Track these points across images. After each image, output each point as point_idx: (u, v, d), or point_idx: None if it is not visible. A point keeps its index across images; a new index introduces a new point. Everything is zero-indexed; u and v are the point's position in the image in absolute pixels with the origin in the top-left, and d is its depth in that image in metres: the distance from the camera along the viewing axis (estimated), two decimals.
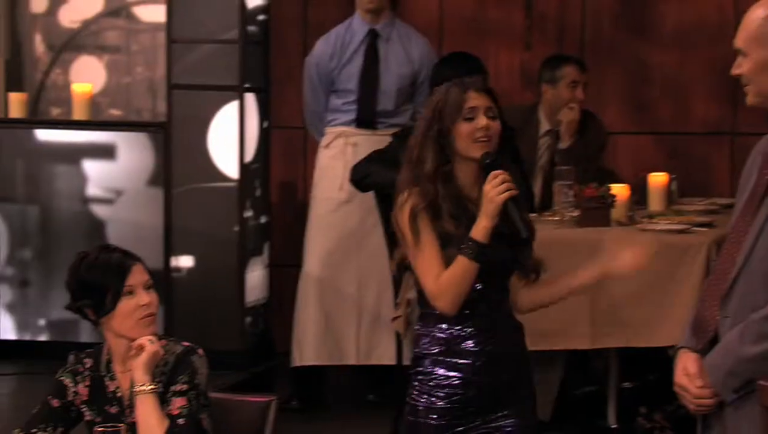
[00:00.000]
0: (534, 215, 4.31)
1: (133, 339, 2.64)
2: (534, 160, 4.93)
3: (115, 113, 5.72)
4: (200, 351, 2.69)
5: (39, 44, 5.77)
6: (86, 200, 5.18)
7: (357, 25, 4.88)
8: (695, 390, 2.55)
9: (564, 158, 4.67)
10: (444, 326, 2.75)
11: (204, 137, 4.98)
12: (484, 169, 2.71)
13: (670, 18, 5.37)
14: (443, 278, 2.70)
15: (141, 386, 2.58)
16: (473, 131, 2.73)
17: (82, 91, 5.20)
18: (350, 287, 4.80)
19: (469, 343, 2.74)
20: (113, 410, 2.67)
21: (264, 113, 5.17)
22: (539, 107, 5.00)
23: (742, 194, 2.63)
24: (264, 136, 5.18)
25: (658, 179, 4.43)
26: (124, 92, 5.75)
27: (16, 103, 5.21)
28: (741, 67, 2.58)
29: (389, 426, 4.45)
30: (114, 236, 5.10)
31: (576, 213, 4.16)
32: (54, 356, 3.12)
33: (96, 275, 2.66)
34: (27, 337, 5.24)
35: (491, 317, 2.76)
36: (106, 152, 5.18)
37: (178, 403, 2.60)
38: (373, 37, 4.87)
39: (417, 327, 2.83)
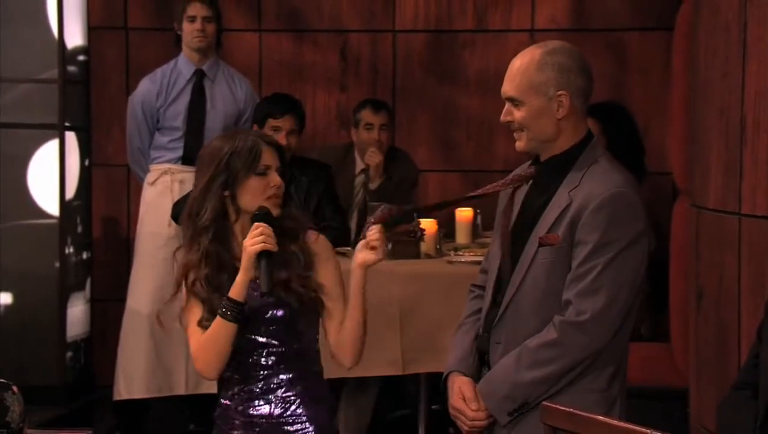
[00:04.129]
0: (349, 249, 4.35)
1: None
2: (351, 197, 4.98)
3: None
4: (14, 388, 2.58)
5: None
6: None
7: (183, 65, 4.83)
8: (471, 413, 2.60)
9: (375, 197, 4.73)
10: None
11: (24, 175, 4.81)
12: (252, 221, 2.51)
13: (474, 65, 5.52)
14: (202, 340, 2.53)
15: None
16: (265, 187, 2.54)
17: None
18: (178, 324, 4.70)
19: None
20: None
21: (85, 151, 5.03)
22: (354, 147, 5.05)
23: (502, 227, 2.69)
24: (86, 174, 5.04)
25: (464, 214, 4.53)
26: None
27: None
28: (512, 115, 2.62)
29: None
30: None
31: (388, 246, 4.20)
32: None
33: None
34: None
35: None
36: None
37: None
38: (199, 76, 4.83)
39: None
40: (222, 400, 2.62)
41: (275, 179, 2.56)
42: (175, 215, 4.50)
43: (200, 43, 4.77)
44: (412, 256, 4.13)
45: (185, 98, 4.81)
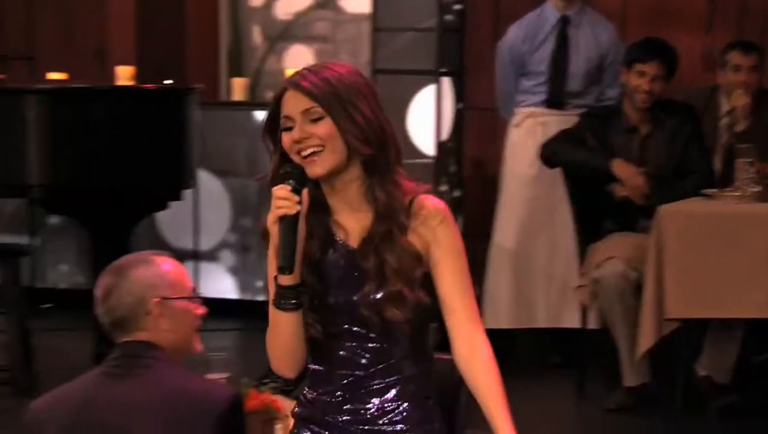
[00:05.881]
0: (715, 190, 4.22)
1: None
2: (715, 138, 4.82)
3: None
4: (433, 324, 2.72)
5: (257, 35, 5.99)
6: None
7: (549, 12, 4.88)
8: None
9: (741, 139, 4.54)
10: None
11: (403, 118, 5.08)
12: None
13: None
14: (268, 330, 1.97)
15: None
16: (291, 145, 1.92)
17: None
18: (541, 257, 4.83)
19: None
20: None
21: (459, 95, 5.23)
22: (720, 89, 4.87)
23: None
24: (458, 116, 5.23)
25: None
26: None
27: (239, 88, 5.42)
28: None
29: (573, 387, 4.46)
30: None
31: (757, 189, 4.03)
32: None
33: None
34: (247, 297, 5.48)
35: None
36: None
37: None
38: (564, 23, 4.87)
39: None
40: (305, 394, 2.03)
41: (294, 133, 1.92)
42: (543, 156, 4.58)
43: None
44: None
45: (550, 44, 4.86)
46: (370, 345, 1.95)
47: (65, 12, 5.91)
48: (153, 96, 4.50)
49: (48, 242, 5.73)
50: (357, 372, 1.96)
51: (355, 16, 5.77)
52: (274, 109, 1.94)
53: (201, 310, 2.40)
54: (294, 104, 1.91)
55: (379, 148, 1.94)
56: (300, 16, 5.90)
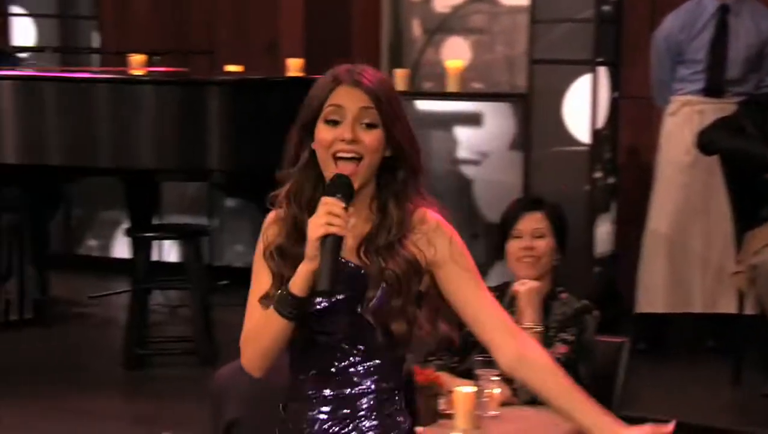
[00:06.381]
0: None
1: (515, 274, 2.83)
2: None
3: (477, 86, 5.96)
4: (596, 312, 2.80)
5: (416, 27, 6.11)
6: (456, 161, 5.47)
7: (707, 1, 4.83)
8: None
9: None
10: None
11: (559, 106, 5.11)
12: (324, 192, 1.78)
13: None
14: (249, 327, 1.83)
15: (528, 325, 2.73)
16: (333, 141, 1.80)
17: (454, 67, 5.46)
18: (697, 244, 4.79)
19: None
20: None
21: (614, 84, 5.22)
22: None
23: None
24: (614, 105, 5.23)
25: None
26: (485, 68, 5.98)
27: (401, 78, 5.55)
28: None
29: (729, 372, 4.41)
30: (479, 194, 5.35)
31: None
32: None
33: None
34: None
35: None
36: (473, 119, 5.44)
37: (560, 349, 2.74)
38: (723, 11, 4.81)
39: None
40: (288, 402, 1.91)
41: (346, 131, 1.78)
42: (701, 144, 4.53)
43: None
44: None
45: (708, 32, 4.81)
46: (339, 354, 1.84)
47: (241, 9, 6.17)
48: None
49: (225, 224, 6.01)
50: (328, 380, 1.84)
51: (512, 8, 5.82)
52: (319, 105, 1.80)
53: None
54: (351, 99, 1.78)
55: (409, 165, 1.82)
56: (458, 8, 5.99)
